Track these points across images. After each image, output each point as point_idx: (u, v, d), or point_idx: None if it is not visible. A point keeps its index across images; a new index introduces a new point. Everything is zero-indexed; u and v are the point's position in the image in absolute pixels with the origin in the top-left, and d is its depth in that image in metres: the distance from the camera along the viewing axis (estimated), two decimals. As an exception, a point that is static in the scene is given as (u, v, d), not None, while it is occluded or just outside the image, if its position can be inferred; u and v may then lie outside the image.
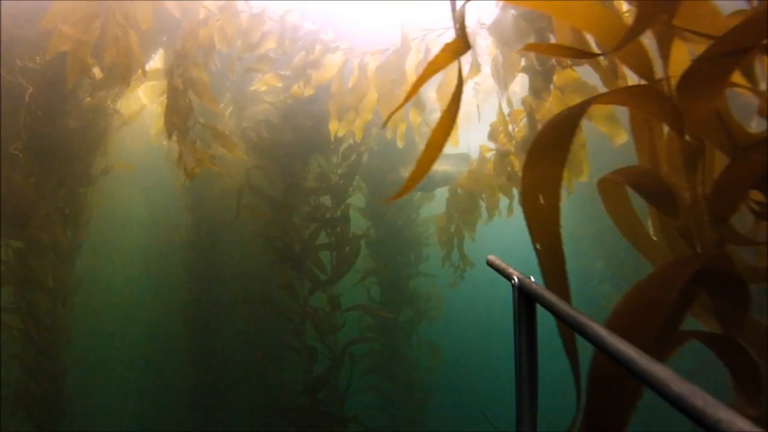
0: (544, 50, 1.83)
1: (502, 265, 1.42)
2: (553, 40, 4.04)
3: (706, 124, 1.51)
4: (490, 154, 4.88)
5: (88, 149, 5.06)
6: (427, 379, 7.35)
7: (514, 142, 4.55)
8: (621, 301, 1.24)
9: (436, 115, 4.80)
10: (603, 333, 0.82)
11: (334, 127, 4.19)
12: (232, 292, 5.94)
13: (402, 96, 3.98)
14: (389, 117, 1.82)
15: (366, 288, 6.73)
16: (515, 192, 4.75)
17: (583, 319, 0.90)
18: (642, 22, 1.30)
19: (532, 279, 1.26)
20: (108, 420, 6.61)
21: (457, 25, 1.27)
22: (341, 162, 5.45)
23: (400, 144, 4.12)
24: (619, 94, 1.48)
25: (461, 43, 1.25)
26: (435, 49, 3.98)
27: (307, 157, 5.15)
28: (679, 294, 1.20)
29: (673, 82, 1.68)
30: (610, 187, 1.86)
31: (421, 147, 5.16)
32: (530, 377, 1.24)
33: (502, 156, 4.39)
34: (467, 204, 5.09)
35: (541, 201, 1.46)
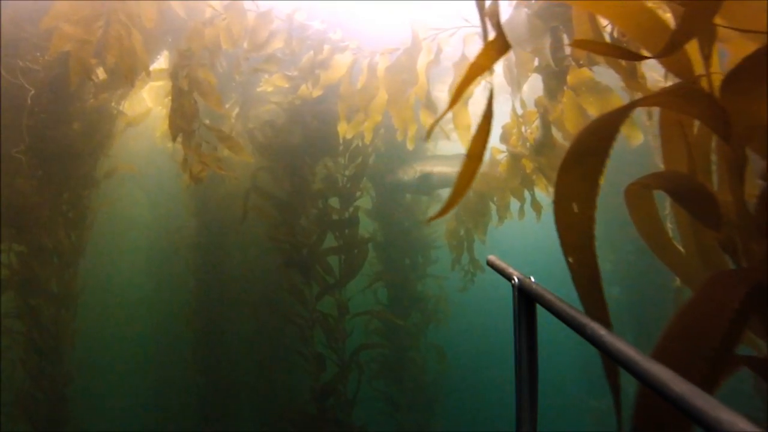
0: (594, 49, 1.72)
1: (502, 265, 1.42)
2: (566, 39, 3.95)
3: (752, 128, 1.40)
4: (501, 156, 4.77)
5: (92, 151, 4.98)
6: (434, 383, 7.25)
7: (528, 144, 4.45)
8: (670, 324, 1.14)
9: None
10: (602, 332, 0.82)
11: (343, 129, 4.09)
12: (238, 295, 5.85)
13: (413, 97, 3.88)
14: (432, 127, 1.72)
15: (373, 291, 6.63)
16: (527, 195, 4.65)
17: (583, 319, 0.89)
18: (690, 25, 1.19)
19: (532, 279, 1.26)
20: (111, 425, 6.54)
21: (494, 23, 1.18)
22: (348, 164, 5.35)
23: (410, 146, 4.02)
24: (662, 96, 1.38)
25: (502, 42, 1.15)
26: (447, 49, 3.88)
27: (314, 158, 5.06)
28: (734, 314, 1.10)
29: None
30: (639, 193, 1.75)
31: (430, 147, 5.06)
32: (530, 377, 1.25)
33: (515, 158, 4.28)
34: (478, 206, 4.98)
35: (575, 210, 1.36)
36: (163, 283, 6.70)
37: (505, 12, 3.99)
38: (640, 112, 4.03)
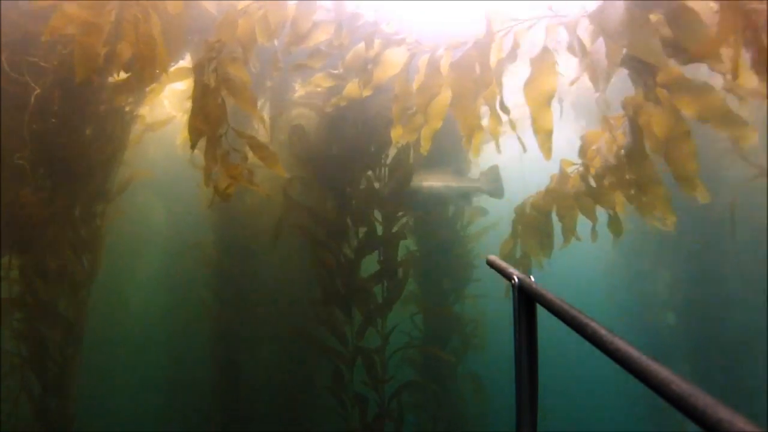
0: None
1: (503, 264, 1.42)
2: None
3: None
4: (572, 169, 4.14)
5: (107, 160, 4.45)
6: (473, 414, 6.62)
7: (607, 154, 3.81)
8: None
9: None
10: (603, 332, 0.81)
11: (397, 134, 3.45)
12: (265, 322, 5.24)
13: (480, 99, 3.25)
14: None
15: (409, 314, 6.02)
16: (604, 213, 4.00)
17: (583, 319, 0.89)
18: None
19: (532, 278, 1.25)
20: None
21: None
22: (389, 175, 4.74)
23: (475, 156, 3.40)
24: None
25: None
26: (525, 45, 3.27)
27: (355, 168, 4.44)
28: None
29: None
30: None
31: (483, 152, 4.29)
32: (530, 377, 1.25)
33: (598, 175, 3.64)
34: (541, 226, 4.33)
35: None
36: (180, 305, 6.12)
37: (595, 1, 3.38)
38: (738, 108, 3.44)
